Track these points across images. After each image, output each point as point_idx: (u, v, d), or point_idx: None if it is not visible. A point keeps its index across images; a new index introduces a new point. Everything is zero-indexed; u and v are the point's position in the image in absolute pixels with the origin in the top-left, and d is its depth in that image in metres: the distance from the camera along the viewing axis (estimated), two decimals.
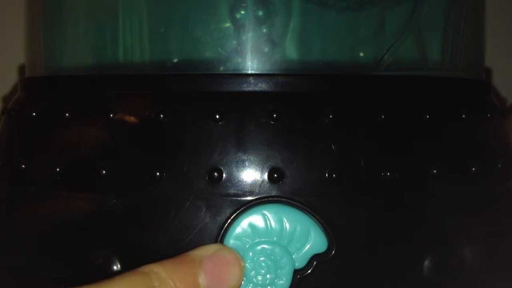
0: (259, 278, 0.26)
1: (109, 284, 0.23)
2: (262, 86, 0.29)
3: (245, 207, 0.27)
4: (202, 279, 0.25)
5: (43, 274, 0.29)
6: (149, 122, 0.29)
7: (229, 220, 0.27)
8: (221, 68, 0.31)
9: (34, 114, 0.32)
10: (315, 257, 0.27)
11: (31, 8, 0.37)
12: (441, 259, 0.28)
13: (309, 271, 0.27)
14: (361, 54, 0.34)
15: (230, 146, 0.27)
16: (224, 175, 0.27)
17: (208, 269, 0.25)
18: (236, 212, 0.27)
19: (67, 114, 0.30)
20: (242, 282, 0.26)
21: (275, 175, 0.27)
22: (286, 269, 0.26)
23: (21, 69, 0.43)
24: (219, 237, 0.26)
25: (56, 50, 0.36)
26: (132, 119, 0.30)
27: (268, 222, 0.26)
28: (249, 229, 0.26)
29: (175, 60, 0.33)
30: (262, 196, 0.27)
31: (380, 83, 0.31)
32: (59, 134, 0.31)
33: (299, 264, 0.26)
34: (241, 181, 0.27)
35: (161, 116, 0.28)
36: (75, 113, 0.30)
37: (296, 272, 0.26)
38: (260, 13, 0.31)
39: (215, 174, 0.27)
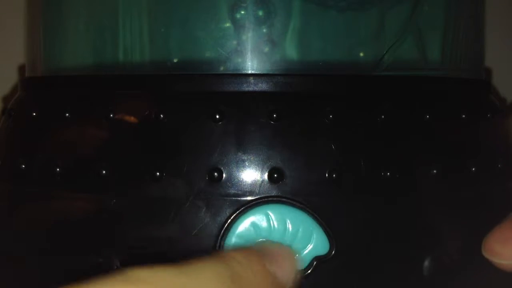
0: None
1: (191, 267, 0.21)
2: (262, 86, 0.29)
3: (248, 206, 0.26)
4: (270, 267, 0.23)
5: (43, 274, 0.29)
6: (149, 122, 0.29)
7: (230, 220, 0.26)
8: (221, 68, 0.31)
9: (34, 114, 0.32)
10: (316, 258, 0.27)
11: (31, 8, 0.37)
12: (441, 259, 0.28)
13: (310, 272, 0.27)
14: (361, 54, 0.34)
15: (230, 146, 0.27)
16: (224, 175, 0.27)
17: (272, 258, 0.23)
18: (236, 211, 0.26)
19: (67, 114, 0.30)
20: None
21: (275, 175, 0.27)
22: None
23: (21, 69, 0.43)
24: (219, 236, 0.26)
25: (56, 50, 0.36)
26: (132, 119, 0.30)
27: (271, 222, 0.26)
28: (251, 228, 0.26)
29: (175, 60, 0.33)
30: (262, 196, 0.27)
31: (380, 83, 0.31)
32: (59, 134, 0.31)
33: (301, 265, 0.26)
34: (241, 181, 0.27)
35: (161, 116, 0.28)
36: (75, 113, 0.30)
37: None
38: (260, 13, 0.31)
39: (215, 174, 0.27)
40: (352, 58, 0.34)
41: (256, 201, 0.27)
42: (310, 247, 0.26)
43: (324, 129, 0.28)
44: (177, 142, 0.28)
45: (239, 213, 0.26)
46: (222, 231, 0.26)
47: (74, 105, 0.31)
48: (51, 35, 0.36)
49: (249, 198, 0.27)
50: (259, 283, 0.22)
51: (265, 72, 0.30)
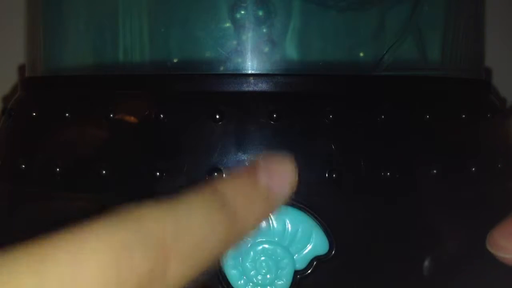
0: (259, 277, 0.26)
1: (182, 201, 0.20)
2: (262, 86, 0.29)
3: None
4: (265, 181, 0.22)
5: None
6: (149, 122, 0.29)
7: None
8: (221, 68, 0.31)
9: (34, 114, 0.32)
10: (315, 258, 0.26)
11: (31, 8, 0.37)
12: (441, 258, 0.28)
13: (309, 272, 0.26)
14: (361, 54, 0.34)
15: (230, 146, 0.27)
16: (224, 175, 0.27)
17: (267, 172, 0.23)
18: None
19: (67, 114, 0.30)
20: (242, 281, 0.26)
21: None
22: (287, 269, 0.26)
23: (21, 69, 0.43)
24: None
25: (56, 50, 0.36)
26: (132, 119, 0.29)
27: (270, 222, 0.26)
28: None
29: (175, 60, 0.33)
30: None
31: (380, 83, 0.31)
32: (59, 134, 0.31)
33: (300, 265, 0.26)
34: None
35: (161, 116, 0.28)
36: (75, 113, 0.30)
37: (296, 272, 0.26)
38: (260, 13, 0.31)
39: (215, 174, 0.27)
40: (352, 58, 0.34)
41: None
42: (309, 247, 0.26)
43: (324, 129, 0.28)
44: (177, 142, 0.28)
45: None
46: None
47: (74, 105, 0.31)
48: (51, 35, 0.36)
49: None
50: (252, 203, 0.22)
51: (265, 72, 0.30)
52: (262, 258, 0.26)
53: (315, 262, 0.26)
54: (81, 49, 0.35)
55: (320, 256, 0.26)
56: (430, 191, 0.29)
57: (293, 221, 0.26)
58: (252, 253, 0.26)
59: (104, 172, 0.28)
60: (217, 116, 0.28)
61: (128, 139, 0.29)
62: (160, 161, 0.28)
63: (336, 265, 0.27)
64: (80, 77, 0.33)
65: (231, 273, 0.26)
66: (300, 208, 0.27)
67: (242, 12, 0.31)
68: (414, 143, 0.29)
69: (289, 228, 0.26)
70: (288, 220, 0.26)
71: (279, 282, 0.26)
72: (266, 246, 0.26)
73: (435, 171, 0.29)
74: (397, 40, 0.32)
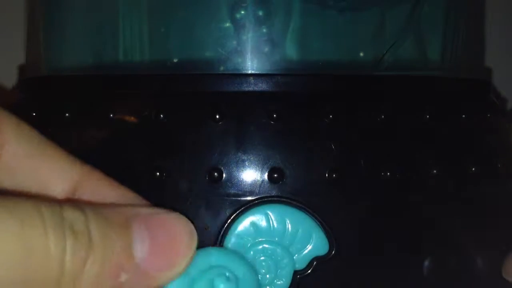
0: (259, 277, 0.26)
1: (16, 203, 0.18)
2: (262, 86, 0.29)
3: (248, 206, 0.26)
4: (137, 248, 0.20)
5: None
6: (149, 122, 0.29)
7: (229, 220, 0.26)
8: (221, 68, 0.31)
9: (33, 114, 0.32)
10: (315, 258, 0.26)
11: (32, 8, 0.37)
12: (441, 259, 0.28)
13: (309, 272, 0.26)
14: (361, 54, 0.34)
15: (230, 146, 0.27)
16: (224, 175, 0.27)
17: (146, 240, 0.20)
18: (236, 211, 0.26)
19: (67, 114, 0.30)
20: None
21: (275, 175, 0.27)
22: (286, 269, 0.26)
23: (21, 69, 0.43)
24: (219, 236, 0.26)
25: (56, 50, 0.36)
26: (132, 119, 0.29)
27: (271, 222, 0.26)
28: (251, 228, 0.26)
29: (175, 60, 0.33)
30: (262, 196, 0.27)
31: (380, 83, 0.31)
32: (59, 134, 0.31)
33: (300, 265, 0.26)
34: (241, 181, 0.27)
35: (161, 116, 0.28)
36: (75, 113, 0.30)
37: (296, 273, 0.26)
38: (260, 13, 0.31)
39: (215, 174, 0.27)
40: (352, 58, 0.34)
41: (256, 201, 0.27)
42: (309, 247, 0.26)
43: (324, 129, 0.28)
44: (177, 142, 0.28)
45: (239, 213, 0.26)
46: (222, 230, 0.26)
47: (74, 105, 0.31)
48: (51, 35, 0.36)
49: (249, 198, 0.27)
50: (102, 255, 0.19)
51: (265, 72, 0.31)
52: (262, 257, 0.26)
53: (315, 262, 0.26)
54: (81, 49, 0.35)
55: (320, 256, 0.26)
56: (430, 191, 0.29)
57: (293, 221, 0.26)
58: (252, 252, 0.26)
59: (103, 172, 0.28)
60: (217, 116, 0.28)
61: (128, 139, 0.29)
62: (160, 161, 0.28)
63: (335, 265, 0.27)
64: (80, 77, 0.33)
65: None
66: (300, 208, 0.26)
67: (242, 12, 0.31)
68: (414, 143, 0.29)
69: (289, 228, 0.26)
70: (288, 220, 0.26)
71: (279, 282, 0.26)
72: (266, 246, 0.26)
73: (434, 171, 0.29)
74: (397, 40, 0.32)
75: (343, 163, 0.27)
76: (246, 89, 0.29)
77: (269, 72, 0.30)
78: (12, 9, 0.47)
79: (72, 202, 0.21)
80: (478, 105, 0.33)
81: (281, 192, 0.27)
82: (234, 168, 0.27)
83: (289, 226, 0.26)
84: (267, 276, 0.26)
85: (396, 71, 0.32)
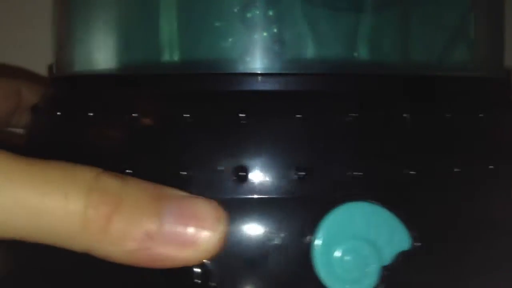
0: (347, 275, 0.26)
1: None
2: (289, 85, 0.29)
3: (335, 205, 0.26)
4: (165, 220, 0.22)
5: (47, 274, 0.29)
6: (174, 121, 0.28)
7: (315, 219, 0.26)
8: (248, 67, 0.31)
9: (59, 113, 0.31)
10: (400, 253, 0.27)
11: (59, 7, 0.37)
12: None
13: (394, 267, 0.27)
14: (385, 54, 0.33)
15: (254, 145, 0.27)
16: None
17: (174, 214, 0.22)
18: (324, 210, 0.26)
19: (92, 114, 0.30)
20: (331, 278, 0.26)
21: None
22: (375, 266, 0.26)
23: (51, 68, 0.43)
24: (308, 236, 0.26)
25: (82, 49, 0.36)
26: (156, 119, 0.29)
27: (358, 220, 0.26)
28: (339, 227, 0.26)
29: (201, 59, 0.33)
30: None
31: (404, 82, 0.31)
32: (84, 133, 0.31)
33: (386, 261, 0.27)
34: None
35: (186, 115, 0.28)
36: (99, 113, 0.30)
37: (382, 268, 0.27)
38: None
39: (241, 174, 0.27)
40: (377, 57, 0.33)
41: (342, 199, 0.27)
42: (393, 242, 0.27)
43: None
44: (201, 141, 0.28)
45: (325, 211, 0.26)
46: (310, 230, 0.26)
47: (99, 105, 0.30)
48: (78, 34, 0.36)
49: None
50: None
51: (293, 71, 0.30)
52: (350, 255, 0.26)
53: (399, 257, 0.27)
54: (108, 49, 0.35)
55: (403, 251, 0.27)
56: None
57: (378, 218, 0.27)
58: (340, 251, 0.26)
59: (128, 172, 0.28)
60: (242, 115, 0.27)
61: (152, 139, 0.29)
62: (185, 160, 0.27)
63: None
64: (104, 76, 0.33)
65: (321, 271, 0.26)
66: (381, 205, 0.27)
67: (257, 12, 0.31)
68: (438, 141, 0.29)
69: (374, 225, 0.26)
70: (373, 216, 0.27)
71: (367, 279, 0.26)
72: (354, 243, 0.26)
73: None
74: (421, 39, 0.32)
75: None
76: (272, 88, 0.29)
77: (297, 72, 0.30)
78: (40, 7, 0.47)
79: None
80: (499, 104, 0.33)
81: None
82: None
83: (373, 222, 0.27)
84: (356, 273, 0.26)
85: (421, 70, 0.32)
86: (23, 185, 0.21)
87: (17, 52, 0.51)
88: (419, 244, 0.27)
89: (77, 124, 0.30)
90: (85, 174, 0.22)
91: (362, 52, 0.33)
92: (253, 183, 0.27)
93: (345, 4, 0.32)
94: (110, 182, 0.22)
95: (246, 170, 0.27)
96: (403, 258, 0.27)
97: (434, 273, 0.27)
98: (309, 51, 0.32)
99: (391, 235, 0.26)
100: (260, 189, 0.27)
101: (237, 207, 0.26)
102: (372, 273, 0.26)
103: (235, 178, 0.27)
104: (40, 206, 0.21)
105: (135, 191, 0.22)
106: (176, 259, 0.22)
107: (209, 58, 0.32)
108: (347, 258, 0.26)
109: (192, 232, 0.22)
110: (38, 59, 0.48)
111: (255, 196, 0.27)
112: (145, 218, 0.21)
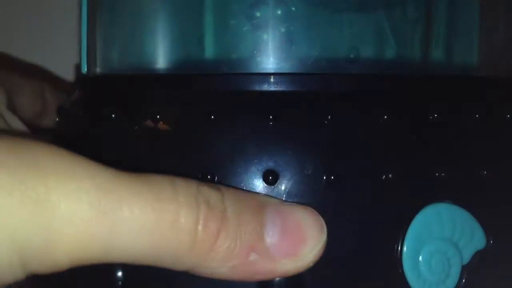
0: (432, 276, 0.26)
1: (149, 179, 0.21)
2: (317, 85, 0.28)
3: (421, 207, 0.26)
4: (268, 232, 0.21)
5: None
6: (200, 122, 0.28)
7: (404, 222, 0.26)
8: (275, 67, 0.30)
9: (86, 113, 0.31)
10: (477, 252, 0.27)
11: (87, 8, 0.37)
12: None
13: (472, 267, 0.27)
14: (406, 54, 0.33)
15: (283, 147, 0.27)
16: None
17: (277, 225, 0.21)
18: (411, 213, 0.26)
19: (117, 115, 0.30)
20: (418, 280, 0.26)
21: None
22: (456, 266, 0.27)
23: (77, 68, 0.43)
24: (398, 239, 0.26)
25: (110, 50, 0.36)
26: (182, 119, 0.29)
27: (443, 222, 0.27)
28: (425, 229, 0.26)
29: (229, 59, 0.33)
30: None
31: (427, 83, 0.31)
32: (110, 134, 0.30)
33: (465, 260, 0.27)
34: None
35: (213, 117, 0.28)
36: (122, 113, 0.30)
37: (463, 268, 0.27)
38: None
39: (270, 177, 0.26)
40: (401, 58, 0.33)
41: (427, 201, 0.27)
42: (472, 242, 0.27)
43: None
44: (228, 143, 0.27)
45: (413, 214, 0.26)
46: (400, 233, 0.26)
47: (121, 105, 0.30)
48: (106, 35, 0.36)
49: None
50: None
51: (321, 71, 0.30)
52: (436, 256, 0.26)
53: (476, 257, 0.27)
54: (135, 50, 0.35)
55: (480, 250, 0.27)
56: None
57: (460, 218, 0.27)
58: (425, 253, 0.26)
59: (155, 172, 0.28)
60: (271, 117, 0.27)
61: (178, 140, 0.29)
62: (212, 162, 0.27)
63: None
64: (131, 77, 0.32)
65: (408, 273, 0.26)
66: (461, 206, 0.27)
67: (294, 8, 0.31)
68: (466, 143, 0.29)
69: (457, 225, 0.27)
70: (456, 218, 0.27)
71: (450, 279, 0.27)
72: (439, 244, 0.26)
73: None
74: (440, 40, 0.32)
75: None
76: (300, 89, 0.29)
77: (325, 72, 0.30)
78: (66, 8, 0.48)
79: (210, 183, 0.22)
80: None
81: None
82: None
83: (457, 224, 0.27)
84: (440, 274, 0.26)
85: (443, 70, 0.32)
86: (137, 204, 0.20)
87: (37, 52, 0.51)
88: (492, 242, 0.27)
89: (117, 126, 0.30)
90: (188, 187, 0.21)
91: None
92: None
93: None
94: (212, 195, 0.21)
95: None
96: (478, 257, 0.27)
97: (507, 270, 0.28)
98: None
99: (472, 235, 0.27)
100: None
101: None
102: (455, 273, 0.27)
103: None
104: (152, 225, 0.19)
105: (235, 203, 0.21)
106: (278, 271, 0.21)
107: (245, 58, 0.32)
108: (433, 260, 0.26)
109: (297, 244, 0.21)
110: (54, 59, 0.49)
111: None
112: (250, 233, 0.21)
